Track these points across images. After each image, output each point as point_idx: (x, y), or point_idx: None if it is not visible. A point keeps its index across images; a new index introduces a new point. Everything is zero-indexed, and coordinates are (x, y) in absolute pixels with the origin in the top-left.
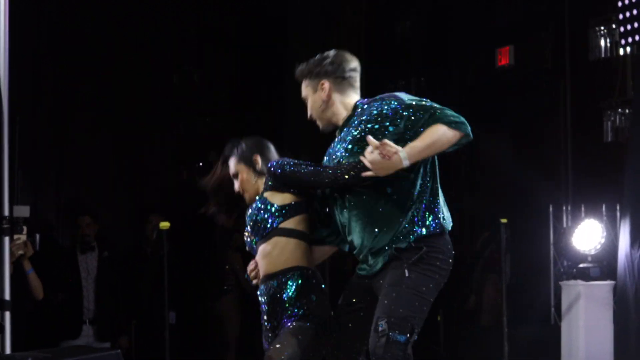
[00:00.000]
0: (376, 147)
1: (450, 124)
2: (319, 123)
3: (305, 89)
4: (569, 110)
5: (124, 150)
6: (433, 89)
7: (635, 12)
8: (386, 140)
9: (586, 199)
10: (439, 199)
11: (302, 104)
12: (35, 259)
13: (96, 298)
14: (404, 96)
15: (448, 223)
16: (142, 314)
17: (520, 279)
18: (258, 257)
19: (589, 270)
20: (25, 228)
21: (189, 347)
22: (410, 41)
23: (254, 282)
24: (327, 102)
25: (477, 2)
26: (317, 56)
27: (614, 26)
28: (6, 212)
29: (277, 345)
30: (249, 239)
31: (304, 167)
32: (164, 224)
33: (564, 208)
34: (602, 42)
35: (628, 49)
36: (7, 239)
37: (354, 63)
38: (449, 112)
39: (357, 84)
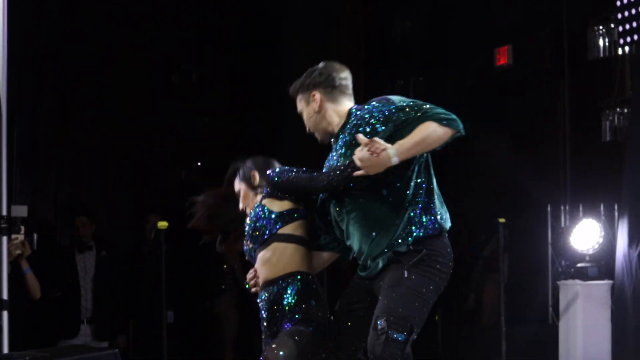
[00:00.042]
0: (365, 145)
1: (440, 121)
2: (317, 135)
3: (299, 104)
4: (567, 110)
5: (123, 149)
6: (432, 89)
7: (633, 11)
8: (375, 138)
9: (584, 198)
10: (434, 199)
11: None
12: (33, 258)
13: (94, 297)
14: (396, 98)
15: (446, 223)
16: (140, 314)
17: (518, 279)
18: (257, 265)
19: (587, 269)
20: (22, 228)
21: (187, 346)
22: (409, 41)
23: (254, 290)
24: (320, 113)
25: (476, 2)
26: (308, 70)
27: (612, 26)
28: (4, 212)
29: (273, 345)
30: (247, 247)
31: (300, 172)
32: (162, 224)
33: (562, 208)
34: (601, 42)
35: (627, 48)
36: (4, 239)
37: (343, 72)
38: (440, 110)
39: (350, 91)
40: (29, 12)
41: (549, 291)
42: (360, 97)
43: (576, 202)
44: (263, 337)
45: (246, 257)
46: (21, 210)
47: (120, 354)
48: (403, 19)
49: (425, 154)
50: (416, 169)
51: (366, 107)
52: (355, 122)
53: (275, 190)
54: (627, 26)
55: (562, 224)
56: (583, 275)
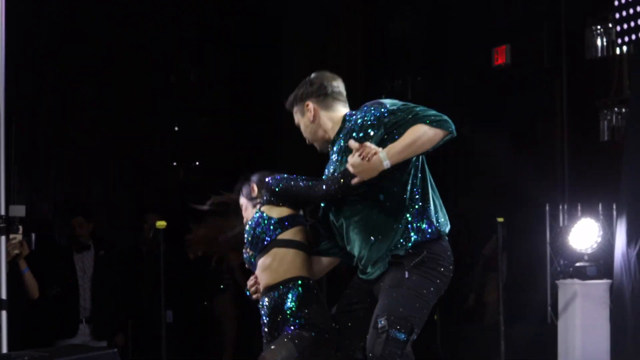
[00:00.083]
0: (356, 150)
1: (430, 123)
2: (316, 145)
3: (296, 116)
4: (565, 109)
5: (122, 149)
6: (430, 89)
7: (631, 11)
8: (366, 143)
9: (583, 198)
10: (431, 203)
11: None
12: (31, 258)
13: (92, 297)
14: (388, 102)
15: (444, 227)
16: (139, 313)
17: (517, 278)
18: (258, 271)
19: (586, 269)
20: (21, 227)
21: (186, 346)
22: (408, 41)
23: (254, 297)
24: (315, 121)
25: (474, 2)
26: (301, 83)
27: (610, 25)
28: (2, 212)
29: (272, 347)
30: (247, 255)
31: (299, 181)
32: (161, 223)
33: (561, 207)
34: (599, 41)
35: (624, 48)
36: (2, 239)
37: (335, 80)
38: (431, 112)
39: (343, 97)
40: (29, 11)
41: (548, 290)
42: (359, 97)
43: (574, 202)
44: (264, 342)
45: (246, 265)
46: (19, 210)
47: (119, 353)
48: (402, 19)
49: (420, 158)
50: (412, 172)
51: (359, 112)
52: (349, 127)
53: (274, 198)
54: (625, 26)
55: (561, 224)
56: (581, 274)
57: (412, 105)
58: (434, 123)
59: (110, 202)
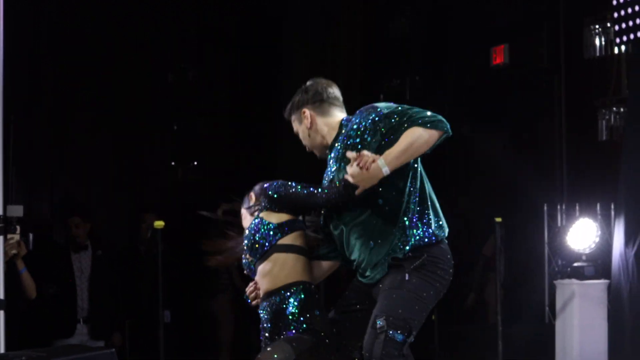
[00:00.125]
0: (354, 160)
1: (425, 124)
2: (315, 152)
3: (294, 124)
4: (563, 109)
5: (120, 149)
6: (428, 88)
7: (630, 10)
8: (363, 152)
9: (581, 197)
10: (429, 206)
11: None
12: (29, 258)
13: (90, 297)
14: (382, 105)
15: (443, 230)
16: (137, 313)
17: (515, 278)
18: (258, 277)
19: (584, 269)
20: (18, 227)
21: (184, 346)
22: (407, 40)
23: (254, 302)
24: (313, 128)
25: (473, 1)
26: (297, 91)
27: (608, 25)
28: (0, 212)
29: (269, 349)
30: (246, 261)
31: (298, 189)
32: (159, 223)
33: (559, 207)
34: (597, 41)
35: (623, 47)
36: (0, 239)
37: (330, 86)
38: (426, 113)
39: (339, 102)
40: (27, 11)
41: (546, 290)
42: (358, 97)
43: (573, 202)
44: (262, 346)
45: (245, 271)
46: (17, 210)
47: (116, 352)
48: (402, 19)
49: (417, 161)
50: (410, 176)
51: (354, 117)
52: (345, 134)
53: (272, 204)
54: (624, 25)
55: (559, 224)
56: (579, 274)
57: (407, 107)
58: (428, 124)
59: (109, 202)
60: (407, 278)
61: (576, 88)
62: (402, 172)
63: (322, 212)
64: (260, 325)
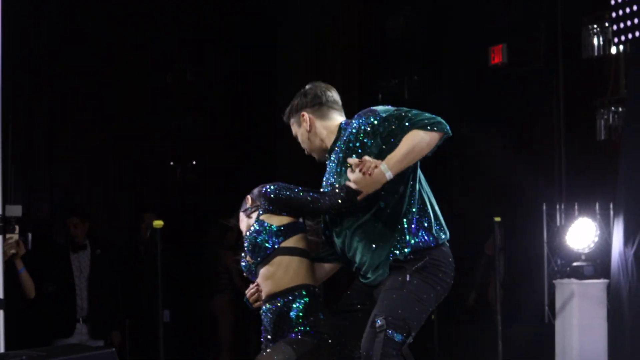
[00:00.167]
0: (356, 166)
1: (425, 127)
2: (314, 155)
3: (293, 127)
4: (562, 109)
5: (119, 148)
6: (426, 88)
7: (628, 10)
8: (365, 157)
9: (579, 197)
10: (429, 210)
11: None
12: (28, 258)
13: (89, 296)
14: (380, 109)
15: (444, 233)
16: (137, 312)
17: (515, 278)
18: (260, 280)
19: (583, 268)
20: (17, 227)
21: (183, 345)
22: (405, 40)
23: (256, 305)
24: (312, 131)
25: (471, 1)
26: (296, 95)
27: (606, 24)
28: None
29: (269, 350)
30: (246, 263)
31: (300, 193)
32: (158, 223)
33: (558, 207)
34: (595, 41)
35: (621, 47)
36: None
37: (329, 90)
38: (425, 115)
39: (338, 106)
40: (26, 11)
41: (545, 290)
42: (356, 97)
43: (571, 201)
44: (263, 347)
45: (244, 273)
46: (15, 210)
47: (115, 351)
48: (400, 19)
49: (416, 164)
50: (409, 178)
51: (353, 122)
52: (344, 138)
53: (273, 206)
54: (622, 25)
55: (558, 223)
56: (579, 274)
57: (406, 110)
58: (428, 127)
59: (108, 202)
60: (408, 279)
61: (574, 88)
62: (402, 176)
63: (322, 216)
64: (262, 327)
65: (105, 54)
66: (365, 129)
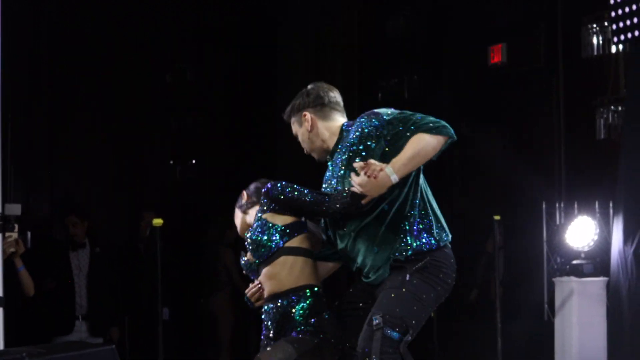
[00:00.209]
0: (361, 169)
1: (430, 130)
2: (314, 155)
3: (293, 127)
4: (561, 108)
5: (118, 148)
6: (426, 88)
7: (627, 9)
8: (370, 160)
9: (579, 196)
10: (430, 212)
11: None
12: (27, 256)
13: (88, 294)
14: (383, 111)
15: (446, 235)
16: (136, 310)
17: (514, 276)
18: (263, 279)
19: (582, 266)
20: (16, 226)
21: (183, 343)
22: (405, 40)
23: (257, 304)
24: (313, 131)
25: (471, 1)
26: (298, 94)
27: (606, 24)
28: None
29: (269, 349)
30: (247, 261)
31: (305, 195)
32: (157, 221)
33: (557, 205)
34: (595, 40)
35: (620, 46)
36: None
37: (331, 90)
38: (429, 119)
39: (340, 107)
40: (25, 11)
41: (545, 288)
42: (356, 97)
43: (571, 200)
44: (263, 344)
45: (244, 272)
46: (15, 209)
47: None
48: (400, 19)
49: (419, 168)
50: (412, 180)
51: (356, 124)
52: (347, 140)
53: (276, 206)
54: (621, 24)
55: (557, 222)
56: (578, 272)
57: (409, 113)
58: (433, 130)
59: (108, 201)
60: (407, 278)
61: (574, 87)
62: (405, 179)
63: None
64: (263, 325)
65: (105, 54)
66: (369, 132)
